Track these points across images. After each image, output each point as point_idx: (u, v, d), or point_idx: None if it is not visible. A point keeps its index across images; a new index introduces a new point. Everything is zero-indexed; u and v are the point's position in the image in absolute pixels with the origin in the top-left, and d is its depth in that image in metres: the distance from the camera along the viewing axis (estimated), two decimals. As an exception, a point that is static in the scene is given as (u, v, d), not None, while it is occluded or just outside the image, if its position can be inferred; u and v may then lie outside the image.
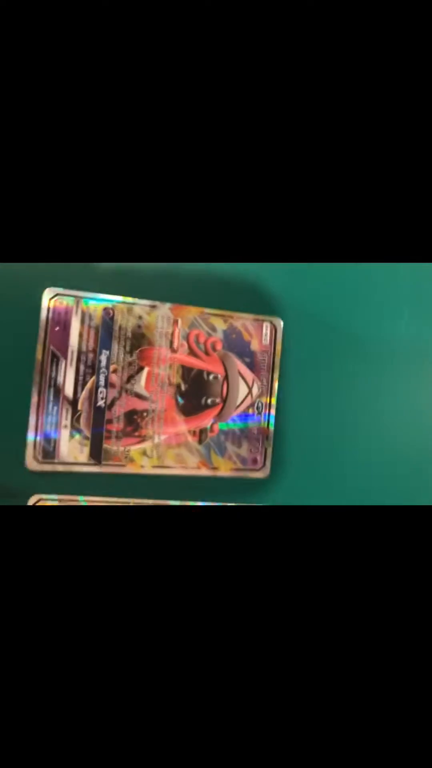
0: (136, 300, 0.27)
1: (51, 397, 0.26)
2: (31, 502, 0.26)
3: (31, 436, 0.25)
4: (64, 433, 0.26)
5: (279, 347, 0.30)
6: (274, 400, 0.30)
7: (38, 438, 0.26)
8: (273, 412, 0.30)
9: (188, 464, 0.28)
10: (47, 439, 0.26)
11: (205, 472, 0.29)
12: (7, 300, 0.26)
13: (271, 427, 0.30)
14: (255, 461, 0.30)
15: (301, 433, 0.31)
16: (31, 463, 0.26)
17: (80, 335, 0.26)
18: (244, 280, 0.30)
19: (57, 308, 0.26)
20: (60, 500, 0.26)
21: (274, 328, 0.30)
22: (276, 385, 0.30)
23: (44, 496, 0.26)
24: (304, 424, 0.31)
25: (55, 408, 0.26)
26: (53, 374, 0.26)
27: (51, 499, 0.26)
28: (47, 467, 0.26)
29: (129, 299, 0.27)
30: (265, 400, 0.30)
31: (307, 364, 0.31)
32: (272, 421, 0.30)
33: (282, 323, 0.30)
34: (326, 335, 0.32)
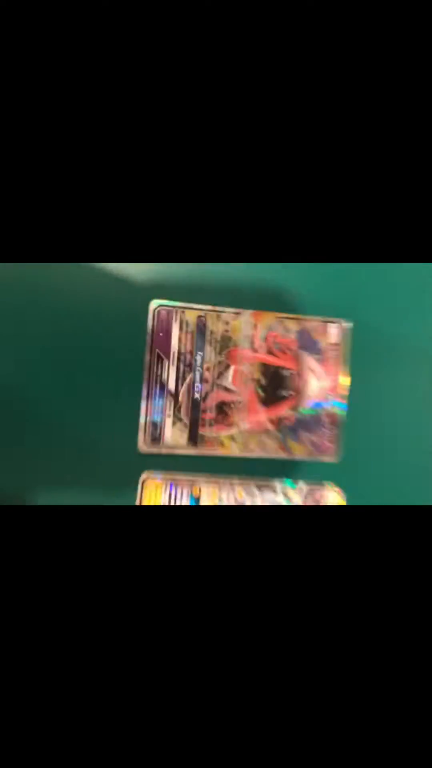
0: (224, 308, 0.32)
1: (157, 391, 0.31)
2: (141, 478, 0.31)
3: (142, 419, 0.31)
4: (168, 421, 0.31)
5: (346, 345, 0.34)
6: (342, 391, 0.34)
7: (147, 420, 0.31)
8: (342, 401, 0.34)
9: (268, 448, 0.33)
10: (154, 423, 0.31)
11: (282, 455, 0.33)
12: (120, 312, 0.31)
13: (340, 414, 0.34)
14: (325, 446, 0.34)
15: (366, 422, 0.35)
16: (142, 447, 0.31)
17: (179, 339, 0.31)
18: (315, 285, 0.34)
19: (161, 317, 0.31)
20: (164, 478, 0.31)
21: (342, 328, 0.34)
22: (343, 378, 0.34)
23: (152, 474, 0.31)
24: (370, 414, 0.35)
25: (161, 400, 0.31)
26: (158, 372, 0.31)
27: (156, 476, 0.31)
28: (154, 450, 0.31)
29: (218, 308, 0.32)
30: (332, 390, 0.34)
31: (373, 360, 0.35)
32: (341, 408, 0.34)
33: (349, 325, 0.34)
34: (393, 334, 0.35)
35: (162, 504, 0.31)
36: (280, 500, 0.33)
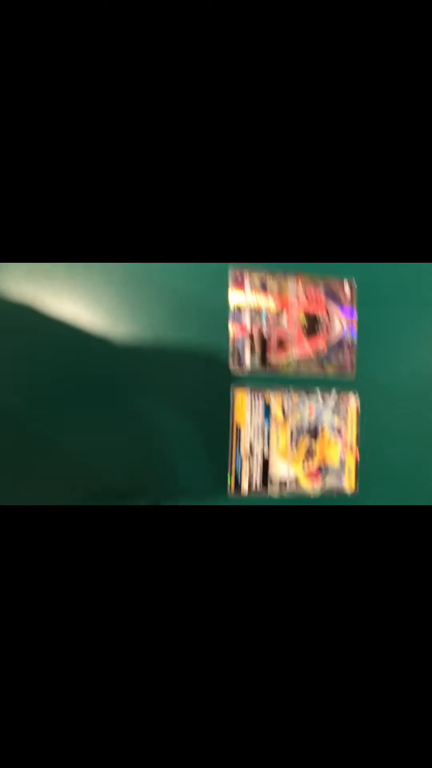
0: (276, 271, 0.47)
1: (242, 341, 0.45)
2: (232, 389, 0.45)
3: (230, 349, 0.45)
4: (248, 351, 0.45)
5: (354, 295, 0.50)
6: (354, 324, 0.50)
7: (234, 350, 0.45)
8: (355, 331, 0.50)
9: (311, 369, 0.48)
10: (239, 353, 0.45)
11: (319, 372, 0.48)
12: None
13: (355, 342, 0.50)
14: (346, 366, 0.49)
15: (376, 347, 0.51)
16: (232, 369, 0.45)
17: (250, 296, 0.46)
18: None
19: (235, 277, 0.45)
20: (246, 388, 0.46)
21: (351, 284, 0.49)
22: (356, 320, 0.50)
23: (238, 386, 0.45)
24: (379, 339, 0.51)
25: (241, 338, 0.45)
26: (240, 318, 0.45)
27: (243, 387, 0.45)
28: (239, 372, 0.45)
29: (274, 270, 0.46)
30: (350, 324, 0.49)
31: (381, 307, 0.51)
32: (355, 338, 0.50)
33: (355, 283, 0.50)
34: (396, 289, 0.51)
35: (246, 406, 0.45)
36: (320, 400, 0.48)
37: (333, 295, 0.49)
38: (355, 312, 0.50)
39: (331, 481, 0.48)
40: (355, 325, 0.50)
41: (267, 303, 0.46)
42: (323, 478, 0.48)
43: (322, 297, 0.48)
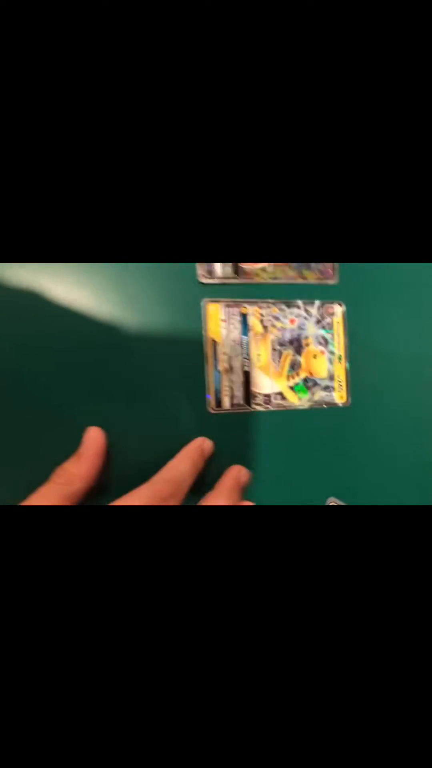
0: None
1: (207, 236, 0.42)
2: (204, 302, 0.42)
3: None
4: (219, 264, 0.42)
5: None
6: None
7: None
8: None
9: (289, 275, 0.45)
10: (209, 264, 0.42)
11: (299, 280, 0.45)
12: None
13: (337, 247, 0.46)
14: (328, 272, 0.46)
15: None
16: (201, 278, 0.42)
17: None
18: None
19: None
20: (220, 301, 0.42)
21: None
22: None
23: (210, 300, 0.42)
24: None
25: (210, 243, 0.42)
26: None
27: (217, 301, 0.42)
28: (210, 281, 0.42)
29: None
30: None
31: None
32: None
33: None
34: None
35: (221, 320, 0.42)
36: (302, 313, 0.45)
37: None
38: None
39: (320, 394, 0.45)
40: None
41: (235, 207, 0.43)
42: (311, 391, 0.45)
43: (296, 198, 0.45)
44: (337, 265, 0.46)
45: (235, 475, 0.39)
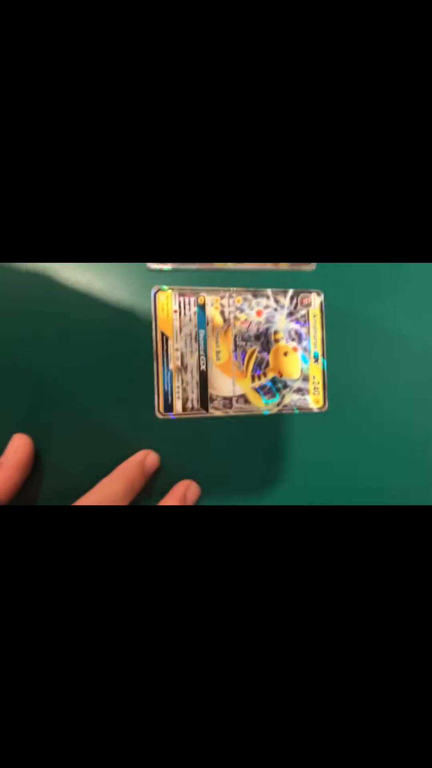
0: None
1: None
2: (153, 291, 0.36)
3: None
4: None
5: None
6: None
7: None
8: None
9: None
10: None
11: (270, 267, 0.39)
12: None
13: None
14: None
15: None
16: (150, 266, 0.36)
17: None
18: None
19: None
20: (172, 289, 0.37)
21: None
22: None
23: (163, 287, 0.37)
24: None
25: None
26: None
27: (168, 288, 0.37)
28: (161, 267, 0.36)
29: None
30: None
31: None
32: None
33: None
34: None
35: (174, 310, 0.36)
36: (270, 306, 0.39)
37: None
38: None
39: (291, 397, 0.39)
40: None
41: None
42: (281, 394, 0.39)
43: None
44: (314, 248, 0.40)
45: (182, 492, 0.34)
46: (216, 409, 0.37)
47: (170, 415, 0.36)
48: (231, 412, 0.37)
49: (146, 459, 0.34)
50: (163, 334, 0.36)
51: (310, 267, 0.40)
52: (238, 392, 0.38)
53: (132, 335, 0.36)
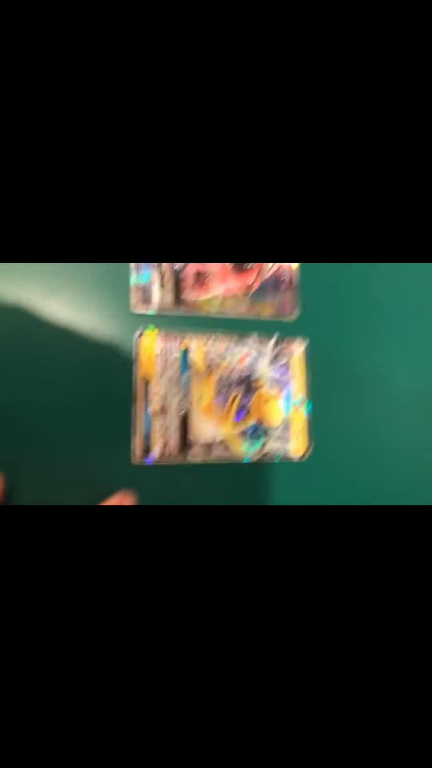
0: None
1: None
2: (136, 334, 0.36)
3: (132, 281, 0.36)
4: (157, 285, 0.37)
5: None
6: (296, 267, 0.41)
7: (137, 283, 0.37)
8: (297, 274, 0.41)
9: (239, 309, 0.39)
10: (144, 287, 0.37)
11: (251, 316, 0.40)
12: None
13: (295, 281, 0.41)
14: (285, 307, 0.41)
15: (323, 285, 0.42)
16: (135, 307, 0.36)
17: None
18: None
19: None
20: (157, 330, 0.37)
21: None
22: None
23: (149, 326, 0.37)
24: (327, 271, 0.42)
25: (147, 269, 0.37)
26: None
27: (152, 330, 0.37)
28: (146, 310, 0.37)
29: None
30: (288, 267, 0.41)
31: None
32: (297, 279, 0.41)
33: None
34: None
35: (156, 354, 0.36)
36: (253, 352, 0.39)
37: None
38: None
39: (272, 444, 0.38)
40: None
41: (180, 231, 0.38)
42: (262, 441, 0.38)
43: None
44: (297, 299, 0.41)
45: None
46: (194, 456, 0.36)
47: (147, 461, 0.35)
48: (210, 459, 0.36)
49: (123, 503, 0.32)
50: (144, 378, 0.36)
51: (292, 317, 0.41)
52: (219, 437, 0.37)
53: (113, 377, 0.35)
